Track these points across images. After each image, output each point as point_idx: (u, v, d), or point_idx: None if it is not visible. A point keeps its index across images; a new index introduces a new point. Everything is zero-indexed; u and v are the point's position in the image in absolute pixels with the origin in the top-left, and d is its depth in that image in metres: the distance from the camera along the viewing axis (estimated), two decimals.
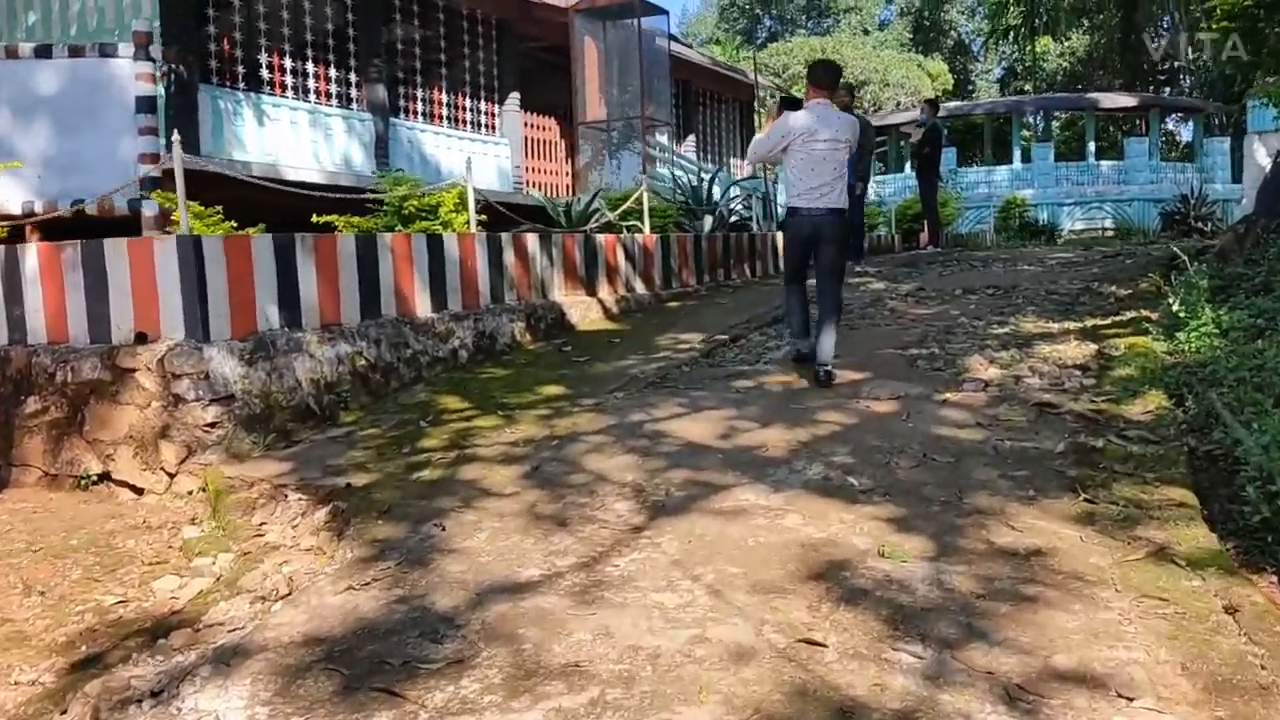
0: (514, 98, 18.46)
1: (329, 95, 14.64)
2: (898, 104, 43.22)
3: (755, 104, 22.69)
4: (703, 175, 13.26)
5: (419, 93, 16.53)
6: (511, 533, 3.73)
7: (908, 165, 30.88)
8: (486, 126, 18.13)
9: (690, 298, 9.33)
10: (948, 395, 5.37)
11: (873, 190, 25.91)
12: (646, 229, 9.10)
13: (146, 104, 9.74)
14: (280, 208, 7.34)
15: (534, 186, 18.58)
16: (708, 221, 11.24)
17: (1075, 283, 9.21)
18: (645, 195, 8.98)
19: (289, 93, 13.87)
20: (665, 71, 16.90)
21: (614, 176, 15.87)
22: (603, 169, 16.25)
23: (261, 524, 4.22)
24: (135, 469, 4.85)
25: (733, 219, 12.64)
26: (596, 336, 7.50)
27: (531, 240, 7.42)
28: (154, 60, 8.76)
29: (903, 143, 30.96)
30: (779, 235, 11.59)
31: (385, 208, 7.22)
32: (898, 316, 7.94)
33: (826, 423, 4.93)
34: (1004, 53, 45.07)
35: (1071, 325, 7.02)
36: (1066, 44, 40.94)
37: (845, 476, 4.16)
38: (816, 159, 5.71)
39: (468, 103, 17.61)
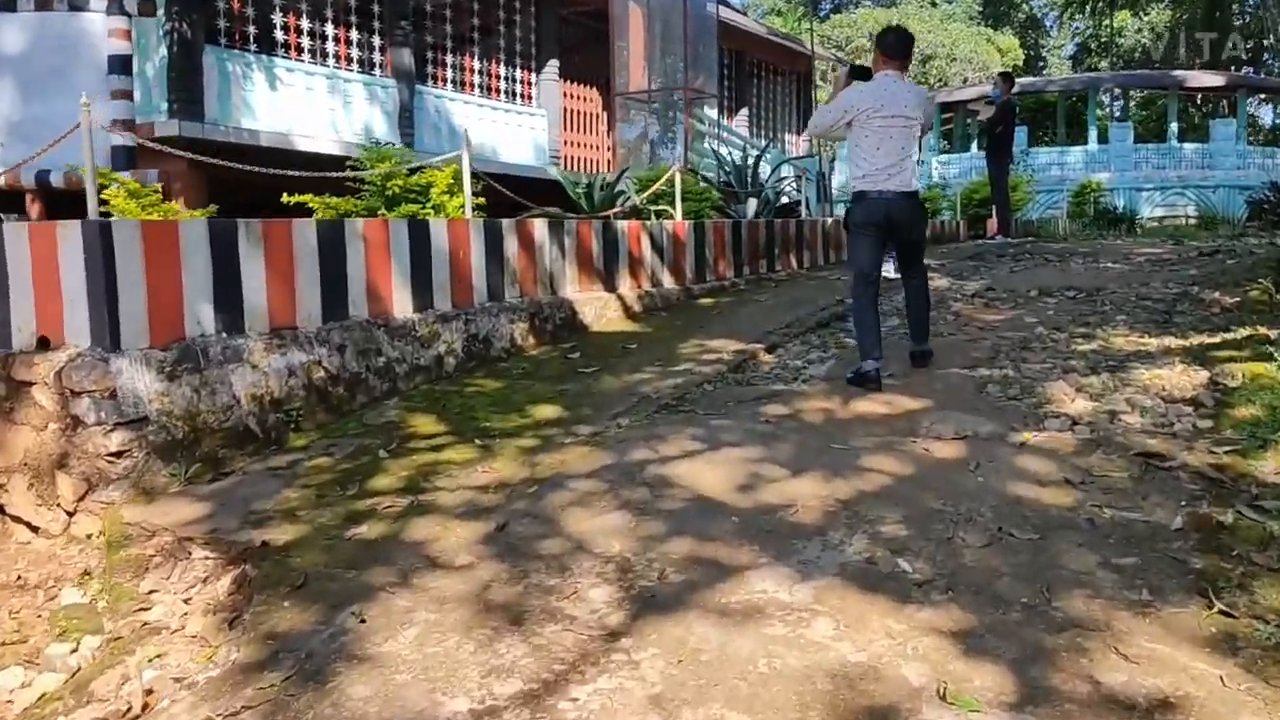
0: (552, 66, 17.53)
1: (349, 60, 13.83)
2: (964, 80, 41.62)
3: (814, 77, 21.49)
4: (751, 153, 12.24)
5: (449, 59, 15.67)
6: (449, 631, 2.87)
7: (974, 144, 29.50)
8: (522, 96, 17.23)
9: (726, 294, 8.38)
10: (1026, 436, 4.41)
11: (936, 171, 24.61)
12: (678, 215, 8.16)
13: (120, 64, 9.00)
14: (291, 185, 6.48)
15: (573, 162, 17.70)
16: (751, 205, 10.26)
17: (1170, 286, 8.12)
18: (678, 176, 8.03)
19: (305, 56, 13.08)
20: (713, 40, 15.84)
21: (663, 152, 14.92)
22: (644, 145, 15.29)
23: (150, 592, 3.40)
24: (30, 504, 4.06)
25: (781, 202, 11.64)
26: (611, 340, 6.60)
27: (539, 228, 6.52)
28: (129, 15, 8.01)
29: (969, 120, 29.54)
30: (832, 221, 10.57)
31: (367, 188, 6.36)
32: (963, 324, 6.93)
33: (874, 472, 3.99)
34: (1078, 27, 43.26)
35: (1173, 342, 5.98)
36: (1146, 19, 39.04)
37: (895, 559, 3.23)
38: (884, 136, 5.19)
39: (502, 70, 16.72)
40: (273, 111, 12.35)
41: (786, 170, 14.40)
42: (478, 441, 4.55)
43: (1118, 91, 33.18)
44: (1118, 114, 36.72)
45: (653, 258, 7.73)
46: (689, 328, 6.98)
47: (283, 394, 4.64)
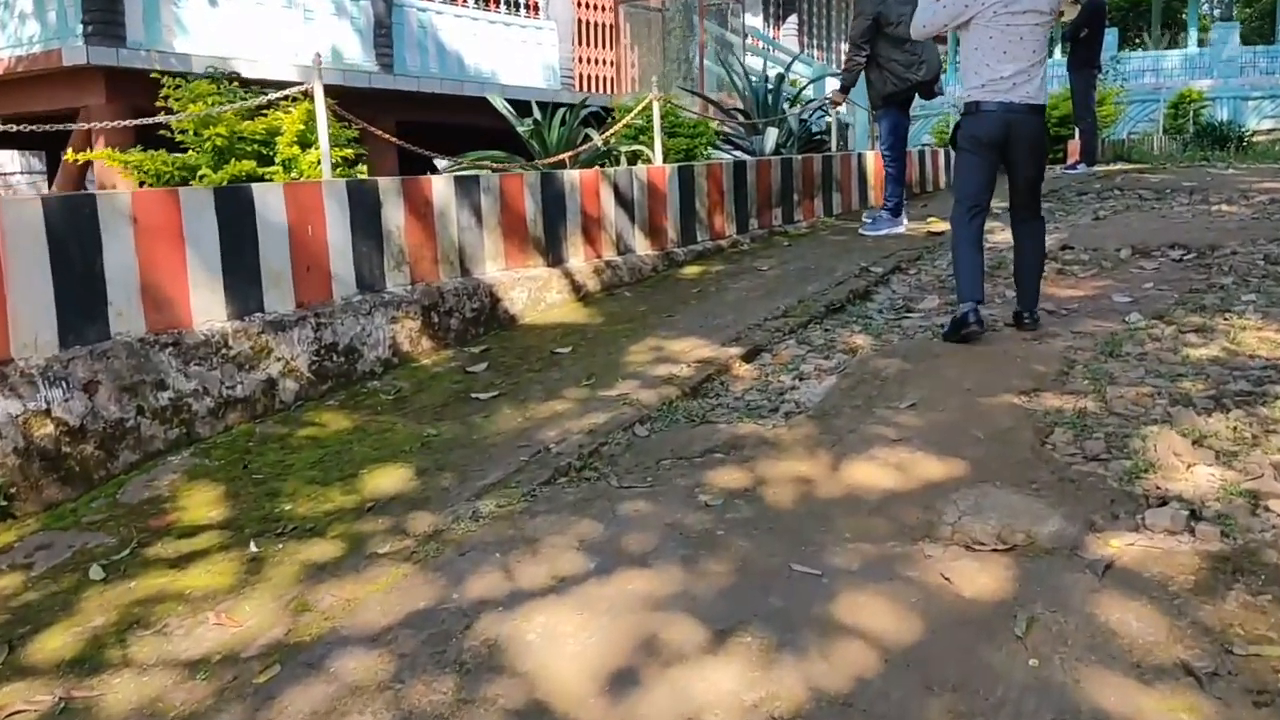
0: None
1: None
2: None
3: None
4: (772, 68, 10.38)
5: None
6: None
7: (1056, 51, 26.85)
8: (527, 7, 15.40)
9: (720, 259, 6.70)
10: (1114, 546, 2.79)
11: None
12: (657, 157, 6.46)
13: None
14: None
15: (589, 82, 15.88)
16: (770, 136, 8.48)
17: None
18: (655, 106, 6.31)
19: None
20: None
21: (681, 69, 13.06)
22: (667, 60, 13.43)
23: None
24: None
25: (815, 130, 9.80)
26: (540, 339, 5.01)
27: (440, 186, 4.91)
28: None
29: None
30: (874, 151, 8.75)
31: (181, 136, 4.76)
32: (1007, 340, 5.20)
33: (850, 637, 2.42)
34: None
35: None
36: None
37: None
38: (1012, 36, 4.53)
39: None
40: (212, 32, 10.77)
41: (828, 87, 12.44)
42: (252, 547, 3.03)
43: None
44: (1219, 12, 33.46)
45: (618, 217, 6.07)
46: (653, 316, 5.35)
47: None
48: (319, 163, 4.55)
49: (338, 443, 3.81)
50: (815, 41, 21.71)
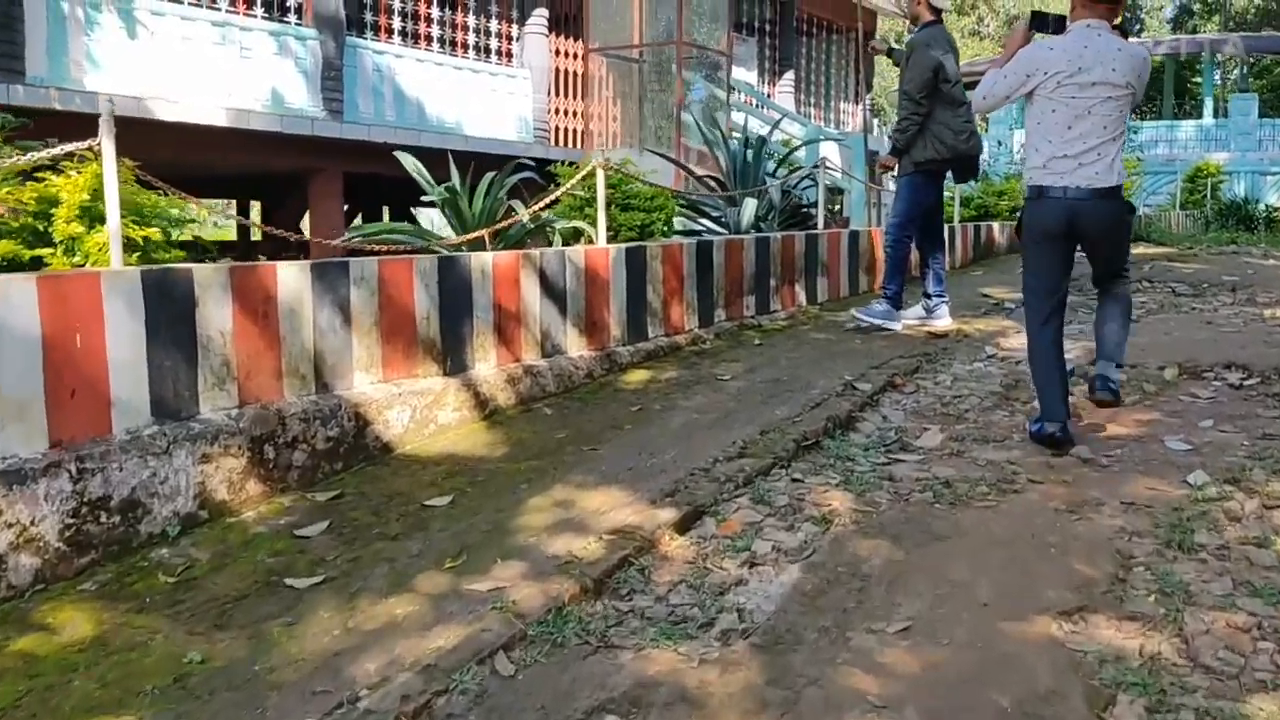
0: (540, 16, 14.70)
1: (250, 1, 11.15)
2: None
3: (864, 35, 18.30)
4: (753, 131, 9.34)
5: (395, 2, 12.92)
6: None
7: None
8: (499, 54, 14.42)
9: (673, 362, 5.56)
10: None
11: (1018, 146, 21.21)
12: (600, 236, 5.34)
13: None
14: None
15: (566, 136, 14.88)
16: (747, 210, 7.39)
17: None
18: (600, 174, 5.20)
19: None
20: None
21: (656, 127, 12.03)
22: (643, 118, 12.42)
23: None
24: None
25: (803, 206, 8.70)
26: (413, 482, 3.84)
27: (290, 277, 3.78)
28: None
29: None
30: (879, 228, 7.65)
31: None
32: (1048, 460, 4.08)
33: None
34: None
35: None
36: None
37: None
38: (1080, 110, 4.11)
39: (471, 20, 13.92)
40: (129, 68, 9.71)
41: (823, 151, 11.39)
42: None
43: (1236, 58, 29.34)
44: (1235, 82, 32.85)
45: (545, 310, 4.94)
46: (572, 447, 4.18)
47: None
48: (112, 245, 3.39)
49: (58, 669, 2.62)
50: (812, 100, 20.84)
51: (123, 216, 3.47)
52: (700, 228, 7.98)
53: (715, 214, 7.83)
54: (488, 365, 4.65)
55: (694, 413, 4.63)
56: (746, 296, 6.53)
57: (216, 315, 3.56)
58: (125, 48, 9.62)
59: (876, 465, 4.06)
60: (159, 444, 3.32)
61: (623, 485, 3.71)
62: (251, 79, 10.73)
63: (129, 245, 3.62)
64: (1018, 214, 4.33)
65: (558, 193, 5.13)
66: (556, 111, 14.93)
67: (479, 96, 13.69)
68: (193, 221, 4.28)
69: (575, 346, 5.15)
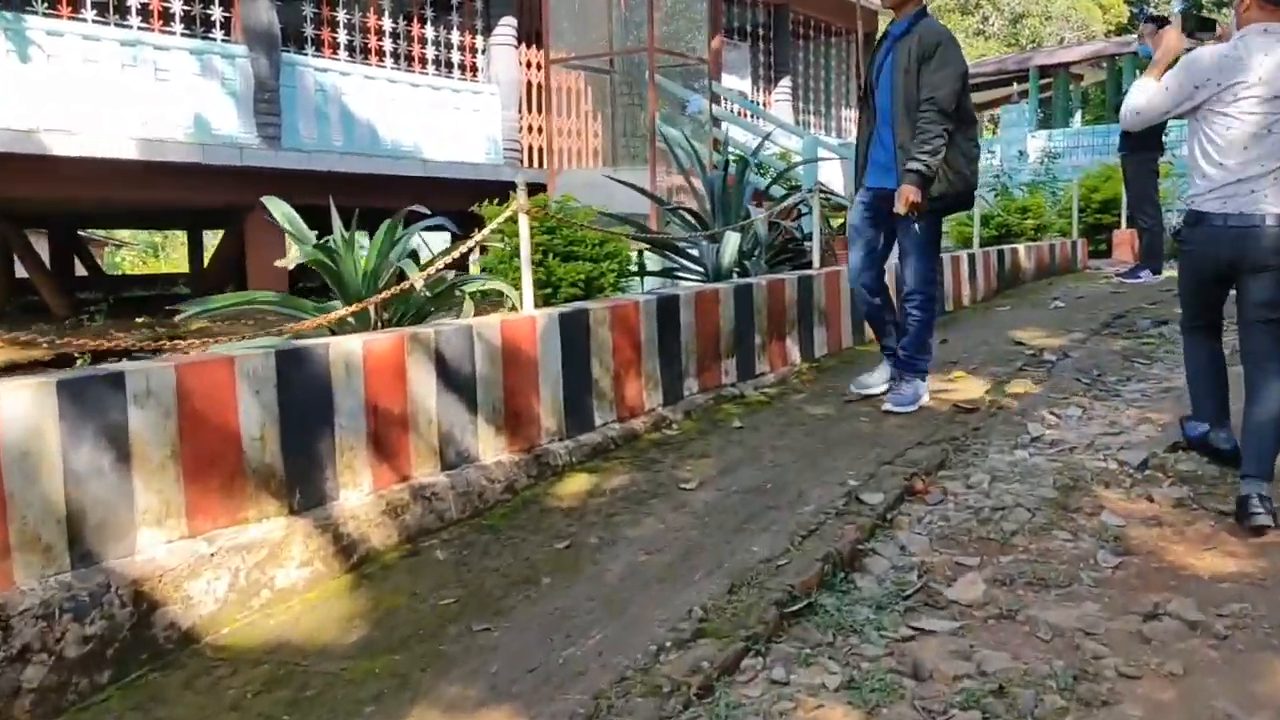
0: (507, 26, 13.57)
1: (165, 16, 10.00)
2: (1061, 40, 37.43)
3: (864, 37, 17.08)
4: (732, 152, 8.16)
5: (340, 14, 11.77)
6: None
7: (1077, 117, 24.88)
8: (463, 67, 13.26)
9: (625, 460, 4.35)
10: None
11: (1033, 150, 19.91)
12: (525, 300, 4.15)
13: None
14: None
15: (540, 156, 13.72)
16: (728, 247, 6.19)
17: None
18: (523, 220, 4.02)
19: (87, 11, 9.27)
20: None
21: (626, 146, 10.85)
22: (617, 133, 11.26)
23: None
24: None
25: (800, 238, 7.48)
26: (209, 702, 2.63)
27: (20, 405, 2.59)
28: None
29: (1073, 86, 25.00)
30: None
31: None
32: (1131, 600, 2.90)
33: None
34: None
35: None
36: None
37: None
38: (1259, 128, 3.60)
39: (429, 31, 12.78)
40: (19, 97, 8.57)
41: (824, 166, 10.16)
42: None
43: None
44: None
45: (446, 406, 3.75)
46: (459, 626, 2.97)
47: None
48: None
49: None
50: (811, 107, 19.68)
51: None
52: (676, 265, 6.79)
53: (693, 252, 6.64)
54: (358, 492, 3.45)
55: (641, 550, 3.42)
56: (725, 360, 5.32)
57: None
58: (15, 72, 8.48)
59: (893, 643, 2.85)
60: None
61: (514, 709, 2.51)
62: (170, 104, 9.57)
63: None
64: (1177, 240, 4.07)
65: (466, 245, 3.93)
66: (530, 129, 13.79)
67: (441, 115, 12.54)
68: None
69: (490, 450, 3.95)
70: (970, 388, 5.42)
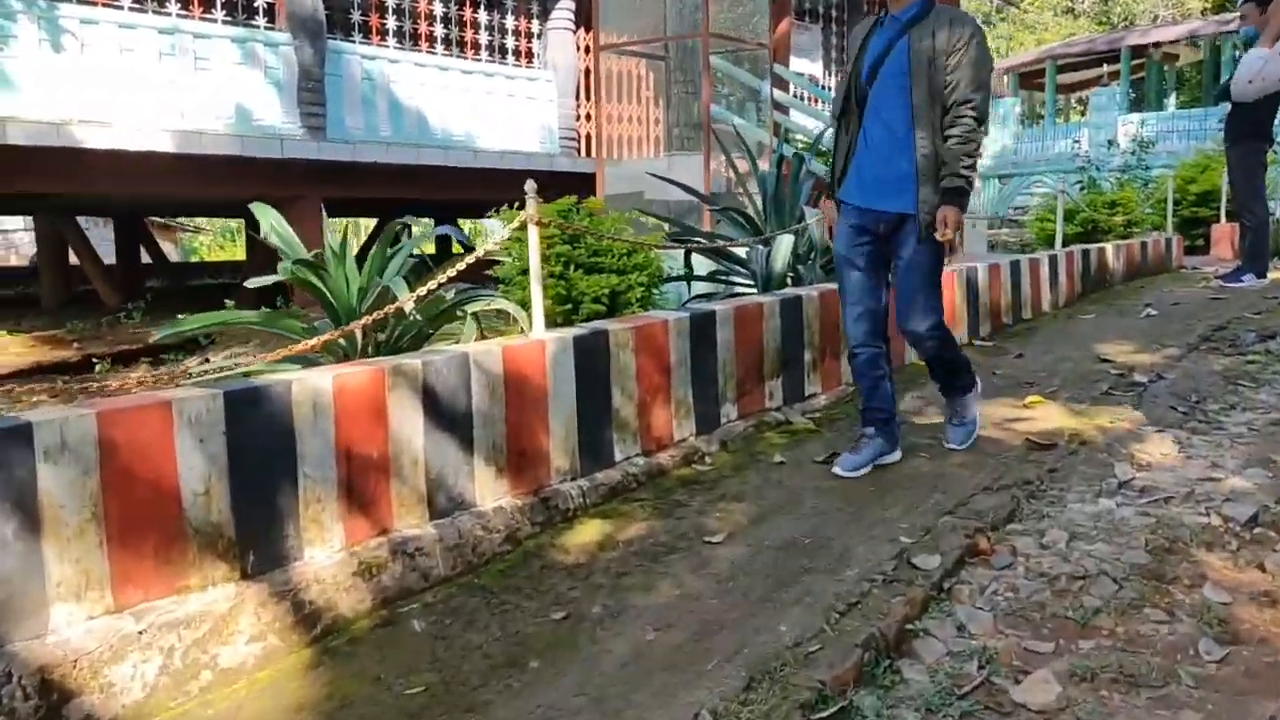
0: (565, 10, 13.13)
1: (206, 2, 9.74)
2: (1154, 18, 35.91)
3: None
4: (786, 147, 7.61)
5: (389, 0, 11.42)
6: None
7: (1171, 100, 23.64)
8: (517, 53, 12.87)
9: (646, 504, 3.88)
10: None
11: (1123, 136, 18.89)
12: (535, 322, 3.70)
13: None
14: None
15: (597, 146, 13.27)
16: (780, 252, 5.67)
17: None
18: (532, 232, 3.56)
19: (123, 0, 9.03)
20: None
21: (680, 138, 10.33)
22: (672, 123, 10.74)
23: None
24: None
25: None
26: None
27: None
28: None
29: (1167, 68, 23.78)
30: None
31: None
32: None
33: None
34: None
35: None
36: None
37: None
38: None
39: (483, 16, 12.38)
40: (51, 87, 8.36)
41: None
42: None
43: None
44: None
45: (434, 447, 3.31)
46: None
47: None
48: None
49: None
50: None
51: None
52: (725, 269, 6.29)
53: (742, 253, 6.13)
54: (326, 551, 3.03)
55: (650, 625, 2.95)
56: (769, 381, 4.81)
57: None
58: (45, 63, 8.26)
59: None
60: None
61: None
62: (210, 94, 9.32)
63: None
64: None
65: (464, 262, 3.49)
66: (587, 117, 13.34)
67: (494, 103, 12.16)
68: None
69: (489, 494, 3.50)
70: (1047, 416, 4.84)
